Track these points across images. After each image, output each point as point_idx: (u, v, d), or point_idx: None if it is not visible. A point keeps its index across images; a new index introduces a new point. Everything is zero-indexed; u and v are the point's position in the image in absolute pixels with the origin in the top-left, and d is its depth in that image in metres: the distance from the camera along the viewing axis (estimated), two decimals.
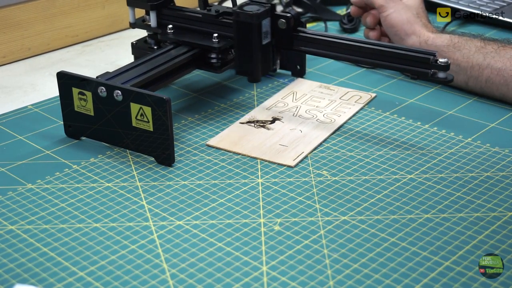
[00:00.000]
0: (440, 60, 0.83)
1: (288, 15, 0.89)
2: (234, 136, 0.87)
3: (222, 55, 0.93)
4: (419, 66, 0.84)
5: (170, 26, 0.96)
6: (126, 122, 0.81)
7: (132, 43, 1.01)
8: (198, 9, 0.98)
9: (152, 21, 0.98)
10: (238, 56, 0.90)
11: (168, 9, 0.98)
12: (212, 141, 0.86)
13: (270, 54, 0.91)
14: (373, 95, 0.97)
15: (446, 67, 0.83)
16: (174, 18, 0.97)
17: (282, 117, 0.92)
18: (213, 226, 0.71)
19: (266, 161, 0.82)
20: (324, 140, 0.86)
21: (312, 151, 0.84)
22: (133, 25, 1.01)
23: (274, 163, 0.82)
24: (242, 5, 0.89)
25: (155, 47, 0.99)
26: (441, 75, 0.84)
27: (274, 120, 0.91)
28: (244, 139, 0.87)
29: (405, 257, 0.66)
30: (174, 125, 0.88)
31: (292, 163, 0.81)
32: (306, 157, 0.83)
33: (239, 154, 0.84)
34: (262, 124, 0.90)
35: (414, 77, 0.86)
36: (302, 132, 0.88)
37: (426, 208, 0.73)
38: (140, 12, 1.01)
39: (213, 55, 0.93)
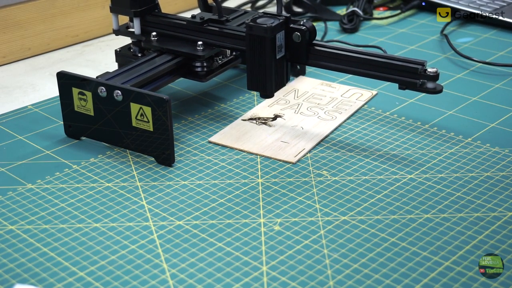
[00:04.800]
0: (429, 70, 0.80)
1: (303, 27, 0.84)
2: (235, 133, 0.87)
3: (207, 63, 0.91)
4: (408, 76, 0.81)
5: (154, 33, 0.94)
6: (126, 122, 0.81)
7: (115, 50, 0.98)
8: (183, 16, 0.96)
9: (136, 28, 0.95)
10: (251, 71, 0.85)
11: (152, 16, 0.95)
12: (214, 138, 0.86)
13: (284, 69, 0.86)
14: (374, 92, 0.97)
15: (435, 77, 0.80)
16: (158, 25, 0.95)
17: (283, 114, 0.92)
18: (213, 226, 0.71)
19: (267, 157, 0.82)
20: (326, 137, 0.86)
21: (313, 148, 0.84)
22: (116, 32, 0.97)
23: (276, 159, 0.82)
24: (255, 18, 0.84)
25: (139, 55, 0.96)
26: (429, 85, 0.80)
27: (275, 117, 0.91)
28: (245, 135, 0.87)
29: (405, 257, 0.66)
30: (174, 125, 0.88)
31: (294, 160, 0.81)
32: (307, 153, 0.83)
33: (240, 150, 0.84)
34: (263, 121, 0.90)
35: (402, 87, 0.82)
36: (304, 129, 0.88)
37: (426, 208, 0.73)
38: (124, 19, 0.98)
39: (198, 64, 0.91)
